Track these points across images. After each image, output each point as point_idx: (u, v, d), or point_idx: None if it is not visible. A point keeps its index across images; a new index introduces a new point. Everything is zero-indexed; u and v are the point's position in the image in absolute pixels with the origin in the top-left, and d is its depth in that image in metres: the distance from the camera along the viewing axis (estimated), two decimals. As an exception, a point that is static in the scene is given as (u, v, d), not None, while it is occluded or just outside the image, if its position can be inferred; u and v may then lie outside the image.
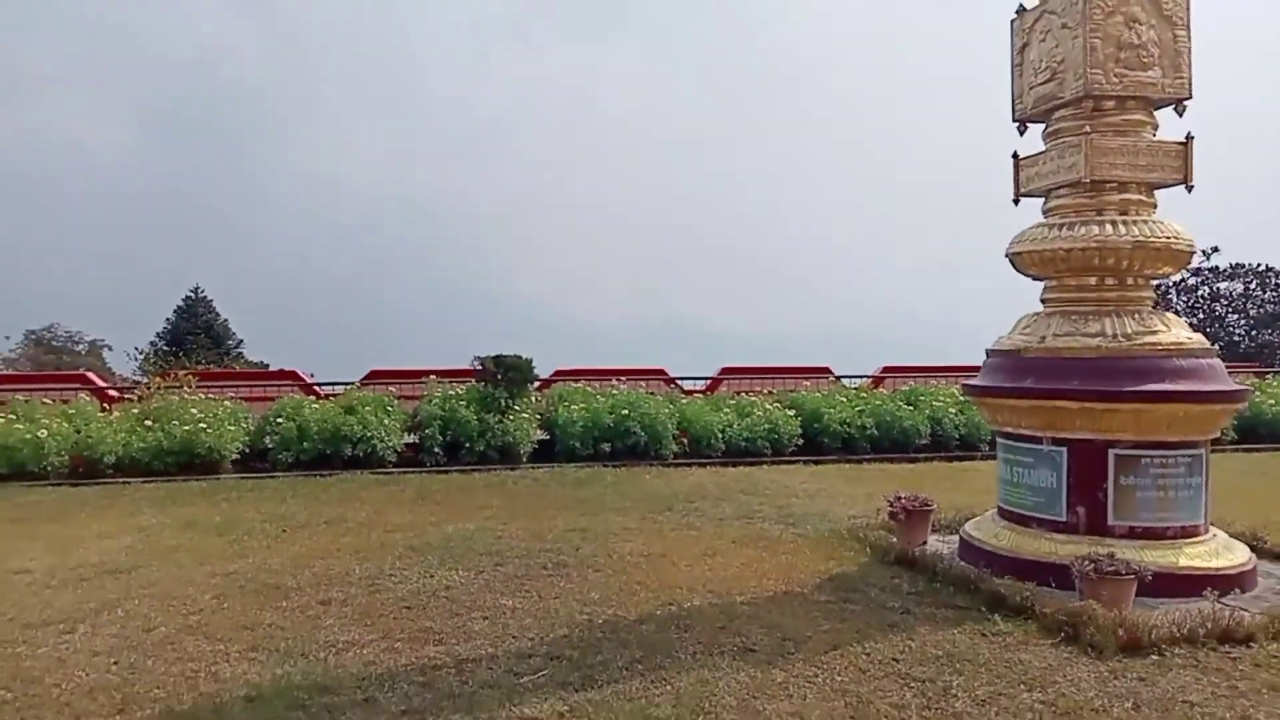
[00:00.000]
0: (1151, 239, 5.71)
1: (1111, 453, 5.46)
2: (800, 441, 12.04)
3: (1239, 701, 3.68)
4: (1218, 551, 5.37)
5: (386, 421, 11.57)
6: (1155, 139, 5.96)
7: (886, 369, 16.12)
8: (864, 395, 13.21)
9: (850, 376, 15.72)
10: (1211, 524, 5.71)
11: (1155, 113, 6.02)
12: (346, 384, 13.93)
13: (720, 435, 11.84)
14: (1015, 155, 6.56)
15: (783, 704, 3.67)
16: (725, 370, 15.99)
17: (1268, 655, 4.19)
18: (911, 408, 12.62)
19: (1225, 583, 5.14)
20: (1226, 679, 3.92)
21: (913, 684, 3.87)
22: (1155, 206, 6.03)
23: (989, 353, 6.41)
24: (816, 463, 11.46)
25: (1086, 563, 4.76)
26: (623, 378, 13.90)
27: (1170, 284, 28.53)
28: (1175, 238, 5.79)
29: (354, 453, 11.09)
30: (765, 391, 13.97)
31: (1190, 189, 6.03)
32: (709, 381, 15.71)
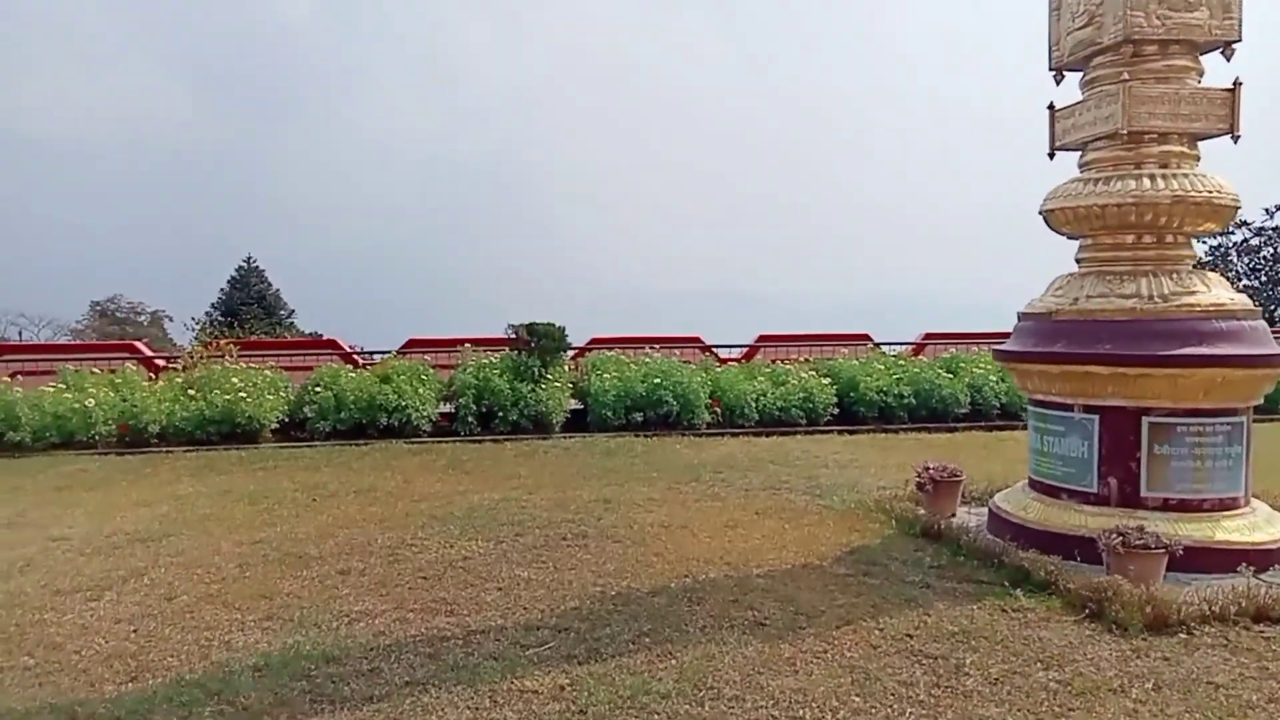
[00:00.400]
0: (1192, 193, 5.41)
1: (1145, 421, 5.25)
2: (835, 411, 11.87)
3: (1268, 684, 3.52)
4: (1258, 525, 5.14)
5: (421, 391, 11.68)
6: (1199, 86, 5.58)
7: (928, 335, 15.78)
8: (902, 363, 12.95)
9: (890, 343, 15.43)
10: (1253, 496, 5.48)
11: (1201, 57, 5.67)
12: (386, 353, 14.13)
13: (754, 404, 11.71)
14: (1051, 106, 6.25)
15: (787, 679, 3.60)
16: (762, 338, 15.80)
17: (1304, 635, 4.01)
18: (951, 375, 12.35)
19: (1265, 558, 4.92)
20: (1257, 659, 3.76)
21: (924, 661, 3.78)
22: (1198, 159, 5.70)
23: (1020, 316, 6.19)
24: (851, 432, 11.29)
25: (1114, 535, 4.59)
26: (657, 346, 13.83)
27: (1231, 244, 27.39)
28: (1218, 192, 5.47)
29: (389, 422, 11.22)
30: (802, 359, 13.78)
31: (1237, 139, 5.65)
32: (745, 349, 15.55)
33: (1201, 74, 5.65)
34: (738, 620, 4.30)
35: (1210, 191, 5.43)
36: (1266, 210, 26.91)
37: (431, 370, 12.56)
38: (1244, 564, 4.66)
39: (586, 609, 4.50)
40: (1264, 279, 26.86)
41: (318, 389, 11.58)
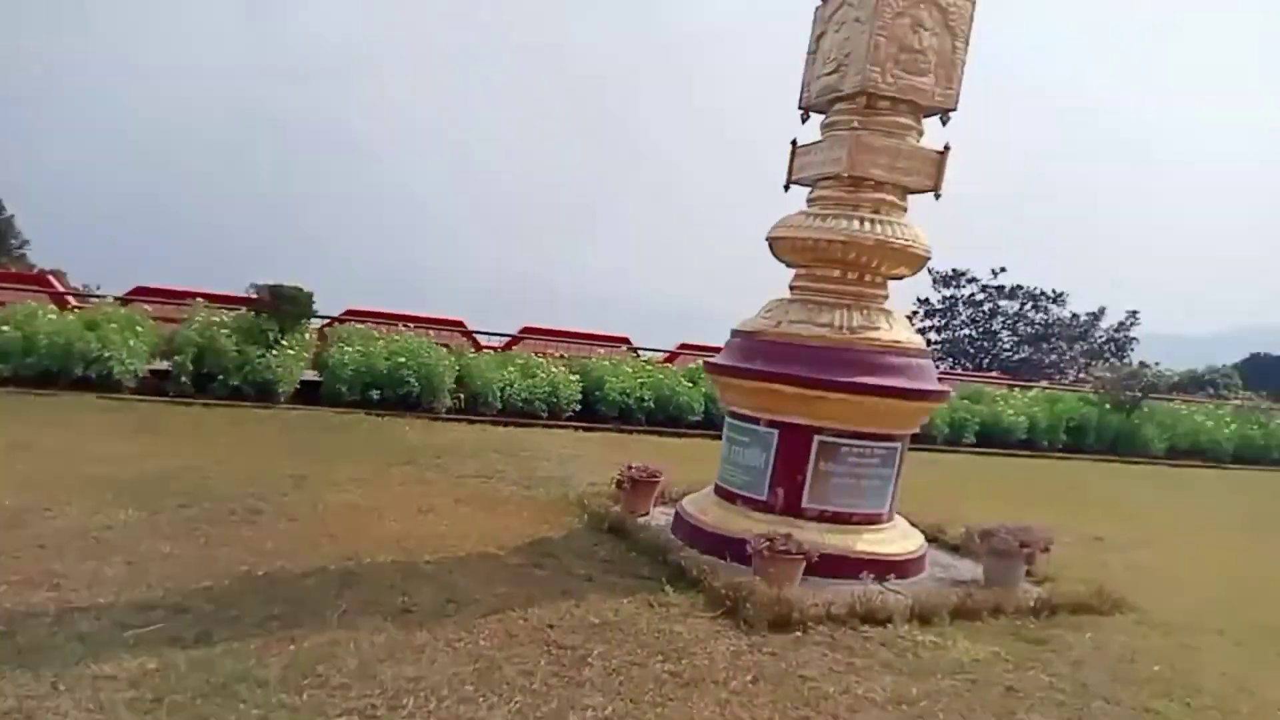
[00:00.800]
0: (893, 239, 5.79)
1: (816, 439, 5.64)
2: (579, 407, 12.00)
3: (848, 677, 3.85)
4: (895, 539, 5.69)
5: (133, 342, 10.53)
6: (917, 145, 5.98)
7: (683, 346, 16.40)
8: (649, 368, 13.34)
9: (647, 349, 15.91)
10: (899, 514, 6.05)
11: (924, 120, 6.11)
12: (103, 297, 12.72)
13: (499, 393, 11.59)
14: (794, 142, 6.53)
15: (407, 668, 3.49)
16: (526, 329, 15.76)
17: (896, 636, 4.44)
18: (691, 385, 12.86)
19: (894, 568, 5.45)
20: (849, 656, 4.11)
21: (554, 650, 3.81)
22: (906, 210, 6.08)
23: (733, 333, 6.47)
24: (589, 429, 11.45)
25: (763, 540, 4.90)
26: (413, 324, 13.37)
27: (961, 298, 30.80)
28: (914, 241, 5.92)
29: (85, 373, 10.02)
30: (558, 354, 13.84)
31: (939, 197, 6.11)
32: (509, 339, 15.45)
33: (921, 134, 6.04)
34: (385, 606, 4.14)
35: (908, 241, 5.83)
36: (993, 270, 30.64)
37: (152, 321, 11.40)
38: (864, 572, 5.11)
39: (221, 589, 4.16)
40: (982, 330, 30.55)
41: (4, 328, 10.13)
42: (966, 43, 5.91)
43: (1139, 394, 15.99)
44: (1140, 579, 6.28)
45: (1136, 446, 15.33)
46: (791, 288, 6.29)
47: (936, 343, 31.04)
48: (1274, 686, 4.41)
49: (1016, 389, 16.90)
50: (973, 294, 30.51)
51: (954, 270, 30.85)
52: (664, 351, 16.11)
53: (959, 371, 26.04)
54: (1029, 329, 29.95)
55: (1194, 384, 26.26)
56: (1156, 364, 24.79)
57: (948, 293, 30.66)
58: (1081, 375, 21.37)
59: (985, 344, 30.33)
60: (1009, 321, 30.32)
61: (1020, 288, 30.13)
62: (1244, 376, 31.36)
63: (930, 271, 31.20)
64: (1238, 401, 20.53)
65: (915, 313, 31.13)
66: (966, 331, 30.59)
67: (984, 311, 30.38)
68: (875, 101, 5.82)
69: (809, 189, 6.30)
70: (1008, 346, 30.20)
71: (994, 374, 25.33)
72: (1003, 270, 30.46)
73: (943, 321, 30.77)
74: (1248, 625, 5.45)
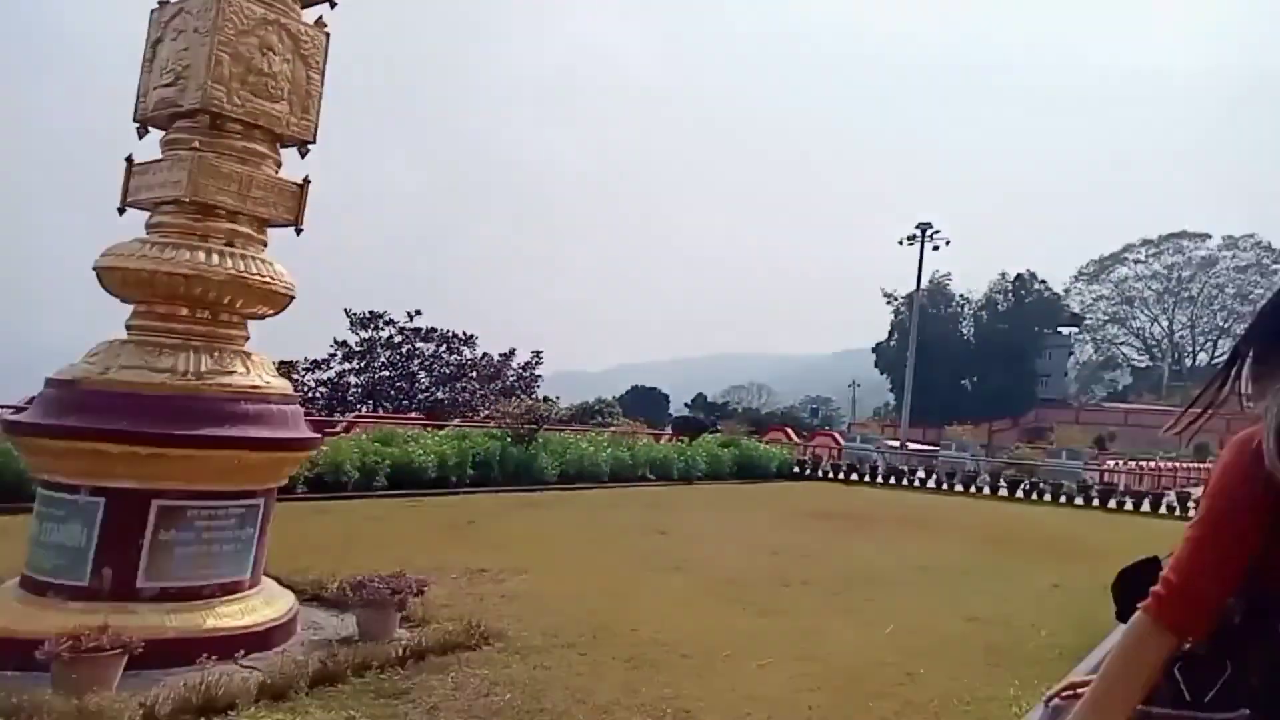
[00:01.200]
0: (249, 275, 5.33)
1: (155, 504, 4.81)
2: None
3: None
4: (257, 608, 5.11)
5: None
6: (275, 175, 5.66)
7: (30, 400, 13.39)
8: None
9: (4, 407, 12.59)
10: (269, 575, 5.51)
11: (283, 150, 5.77)
12: None
13: None
14: (129, 159, 5.69)
15: None
16: None
17: (237, 725, 3.91)
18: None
19: (251, 641, 4.87)
20: (164, 768, 3.46)
21: None
22: (265, 244, 5.71)
23: (47, 383, 5.27)
24: None
25: (62, 640, 3.93)
26: None
27: (380, 340, 31.26)
28: (275, 279, 5.53)
29: None
30: None
31: (300, 232, 5.88)
32: None
33: (279, 164, 5.73)
34: None
35: (269, 278, 5.43)
36: (409, 314, 31.62)
37: None
38: (227, 650, 4.49)
39: None
40: (400, 372, 31.29)
41: None
42: (322, 75, 5.82)
43: (534, 426, 17.76)
44: (512, 606, 6.65)
45: (534, 475, 16.91)
46: (129, 327, 5.42)
47: (357, 385, 30.82)
48: (605, 690, 4.89)
49: (430, 428, 17.45)
50: (390, 336, 31.08)
51: (371, 312, 31.10)
52: (10, 407, 12.90)
53: (379, 414, 26.18)
54: (445, 370, 31.54)
55: (586, 414, 30.52)
56: (557, 398, 28.26)
57: (366, 335, 30.78)
58: (489, 414, 23.12)
59: (405, 385, 31.09)
60: (426, 363, 31.56)
61: (435, 330, 31.62)
62: (625, 406, 37.63)
63: (347, 313, 31.02)
64: (615, 427, 24.31)
65: (333, 355, 30.60)
66: (387, 374, 31.00)
67: (402, 354, 31.12)
68: (223, 123, 5.38)
69: (148, 213, 5.55)
70: (425, 387, 31.36)
71: (414, 414, 26.09)
72: (418, 313, 31.69)
73: (362, 364, 30.73)
74: (593, 634, 6.04)
